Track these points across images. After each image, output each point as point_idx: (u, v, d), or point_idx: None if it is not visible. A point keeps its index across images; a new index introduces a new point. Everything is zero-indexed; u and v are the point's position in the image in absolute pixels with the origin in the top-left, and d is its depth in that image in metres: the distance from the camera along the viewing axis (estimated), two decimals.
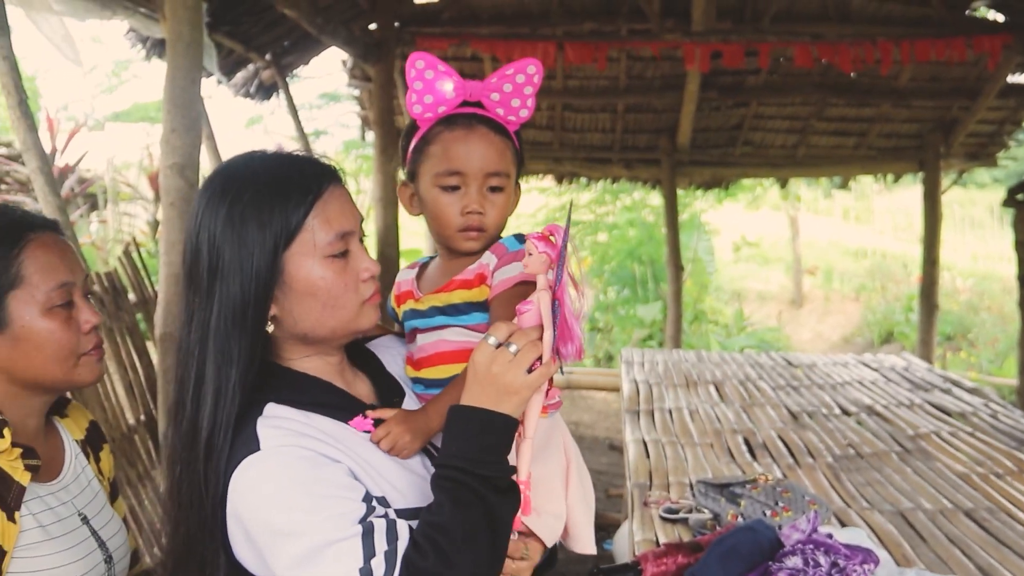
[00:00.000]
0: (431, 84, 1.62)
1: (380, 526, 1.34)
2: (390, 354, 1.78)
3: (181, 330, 1.49)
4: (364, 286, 1.51)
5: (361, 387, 1.64)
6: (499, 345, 1.39)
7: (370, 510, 1.35)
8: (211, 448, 1.40)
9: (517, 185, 1.75)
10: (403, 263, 5.01)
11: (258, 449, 1.37)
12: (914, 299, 13.16)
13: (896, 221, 23.97)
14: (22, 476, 1.61)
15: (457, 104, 1.65)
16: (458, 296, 1.66)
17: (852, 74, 8.39)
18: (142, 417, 4.11)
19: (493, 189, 1.67)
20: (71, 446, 1.85)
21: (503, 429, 1.38)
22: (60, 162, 13.58)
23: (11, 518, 1.57)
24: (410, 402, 1.70)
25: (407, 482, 1.50)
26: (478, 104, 1.66)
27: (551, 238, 1.40)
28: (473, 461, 1.36)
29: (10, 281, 1.63)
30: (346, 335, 1.54)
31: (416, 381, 1.73)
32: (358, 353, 1.69)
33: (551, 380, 1.46)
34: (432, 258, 1.85)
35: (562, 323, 1.39)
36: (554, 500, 1.61)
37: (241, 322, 1.43)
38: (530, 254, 1.40)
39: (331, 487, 1.35)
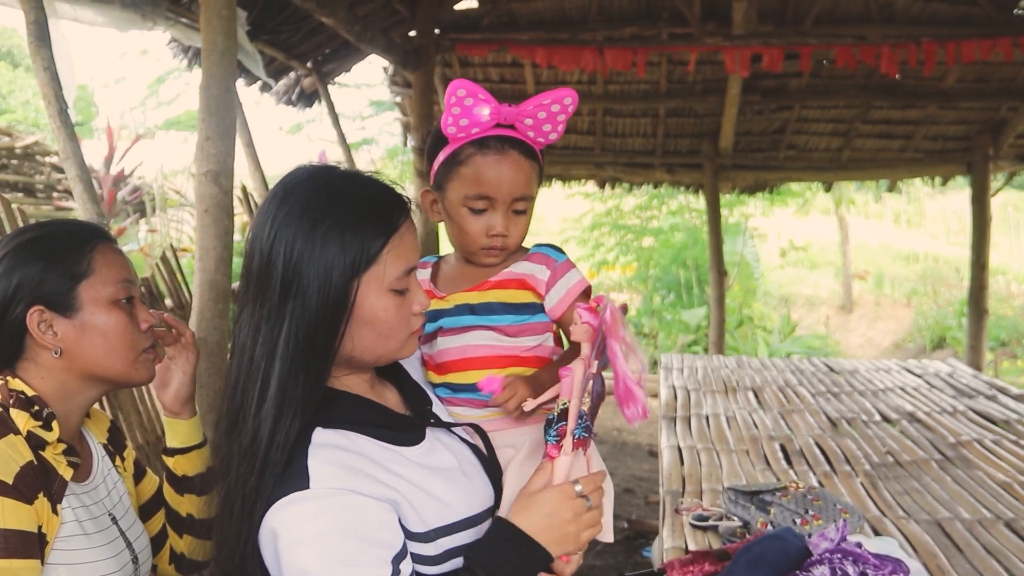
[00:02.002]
0: (469, 109, 1.63)
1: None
2: (410, 361, 1.77)
3: (245, 339, 1.47)
4: (415, 319, 1.53)
5: (390, 397, 1.64)
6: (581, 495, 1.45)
7: (395, 573, 1.37)
8: (267, 464, 1.40)
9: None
10: None
11: (307, 487, 1.36)
12: (966, 304, 12.96)
13: (948, 224, 23.60)
14: (65, 471, 1.67)
15: (491, 127, 1.66)
16: (493, 295, 1.70)
17: (897, 76, 8.27)
18: None
19: (517, 212, 1.70)
20: (97, 449, 1.89)
21: (542, 565, 1.44)
22: (115, 169, 13.84)
23: (54, 510, 1.62)
24: (438, 408, 1.71)
25: (454, 494, 1.51)
26: (510, 126, 1.68)
27: (597, 308, 1.45)
28: None
29: (82, 271, 1.73)
30: (388, 361, 1.56)
31: (441, 386, 1.74)
32: None
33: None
34: (440, 257, 1.87)
35: (624, 388, 1.45)
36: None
37: (312, 342, 1.43)
38: (575, 324, 1.47)
39: (368, 544, 1.35)
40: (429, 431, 1.60)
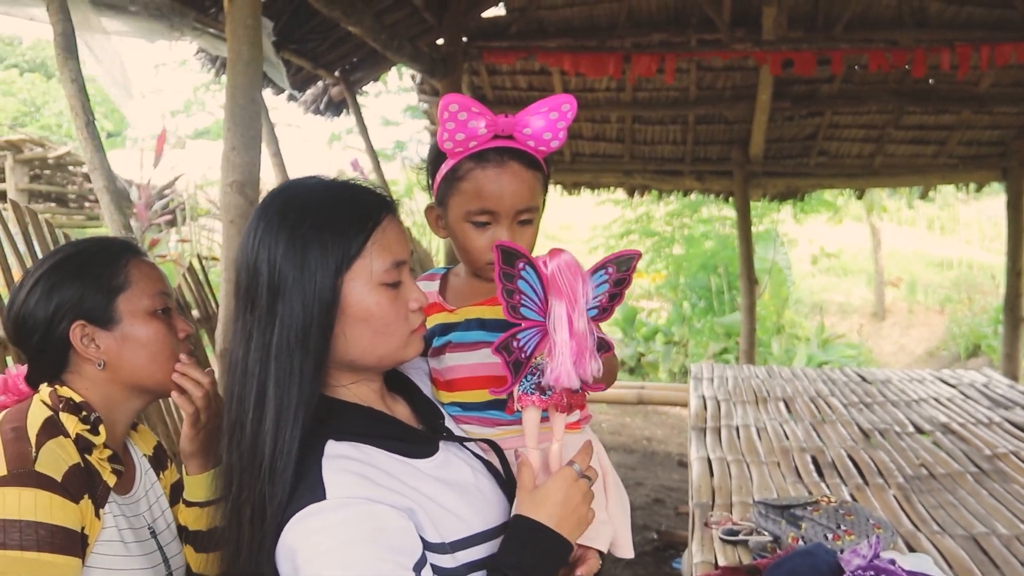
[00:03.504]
0: (463, 124, 1.59)
1: None
2: (418, 375, 1.76)
3: (236, 350, 1.48)
4: (413, 316, 1.52)
5: (401, 411, 1.63)
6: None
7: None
8: (273, 471, 1.39)
9: (543, 204, 1.74)
10: None
11: (323, 498, 1.36)
12: (1001, 311, 12.78)
13: (983, 230, 23.34)
14: (109, 477, 1.72)
15: (488, 139, 1.63)
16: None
17: (930, 80, 8.18)
18: None
19: (522, 223, 1.67)
20: (141, 462, 1.93)
21: (565, 555, 1.46)
22: (158, 179, 13.98)
23: (97, 514, 1.66)
24: (450, 423, 1.69)
25: (469, 507, 1.50)
26: (509, 137, 1.64)
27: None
28: None
29: (119, 285, 1.79)
30: (392, 364, 1.55)
31: (450, 404, 1.72)
32: (391, 375, 1.67)
33: (581, 397, 1.51)
34: (448, 269, 1.84)
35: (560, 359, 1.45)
36: (598, 508, 1.60)
37: (304, 343, 1.42)
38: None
39: (388, 552, 1.34)
40: (442, 445, 1.58)
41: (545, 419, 1.53)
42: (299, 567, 1.33)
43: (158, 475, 1.99)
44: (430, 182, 1.74)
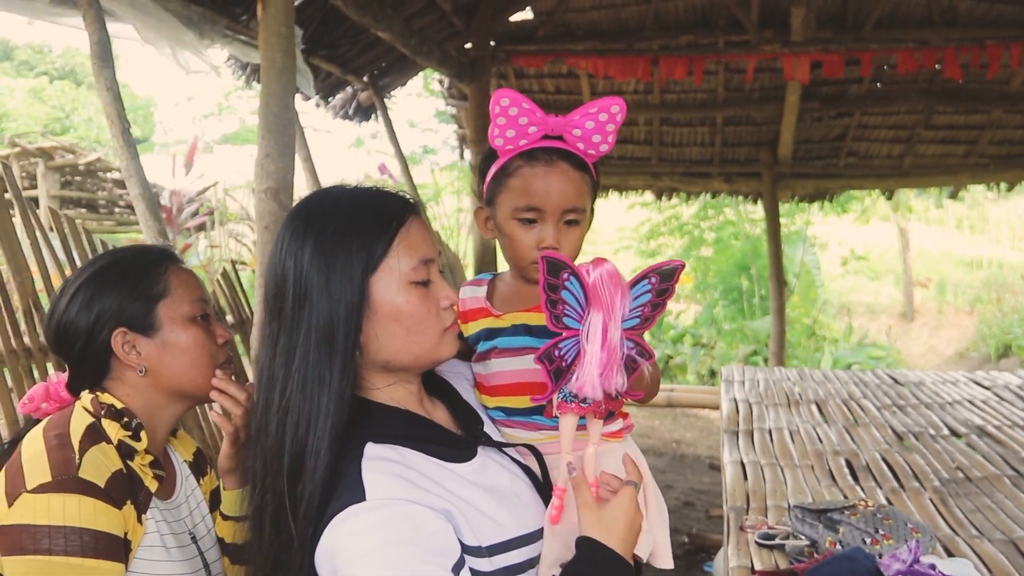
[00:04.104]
0: (514, 120, 1.61)
1: None
2: (459, 380, 1.77)
3: (263, 356, 1.50)
4: (445, 314, 1.53)
5: (440, 415, 1.64)
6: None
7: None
8: (300, 472, 1.40)
9: (592, 211, 1.74)
10: None
11: (363, 499, 1.36)
12: None
13: (1014, 230, 23.12)
14: (151, 483, 1.75)
15: (539, 138, 1.65)
16: None
17: (960, 79, 8.12)
18: None
19: (569, 223, 1.67)
20: (181, 468, 1.96)
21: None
22: (190, 186, 14.11)
23: (139, 519, 1.68)
24: (489, 428, 1.70)
25: (505, 512, 1.50)
26: (559, 138, 1.66)
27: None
28: None
29: (159, 292, 1.82)
30: (428, 363, 1.56)
31: (495, 408, 1.72)
32: (431, 380, 1.69)
33: (619, 403, 1.54)
34: (495, 275, 1.85)
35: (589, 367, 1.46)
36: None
37: (330, 345, 1.44)
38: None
39: (428, 553, 1.34)
40: (480, 450, 1.59)
41: (583, 426, 1.53)
42: (339, 568, 1.33)
43: (198, 481, 2.01)
44: (481, 184, 1.76)
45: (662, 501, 1.79)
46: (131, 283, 1.80)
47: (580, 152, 1.67)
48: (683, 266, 1.52)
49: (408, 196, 1.57)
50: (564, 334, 1.45)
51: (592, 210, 1.75)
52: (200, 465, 2.04)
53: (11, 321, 2.75)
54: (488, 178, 1.72)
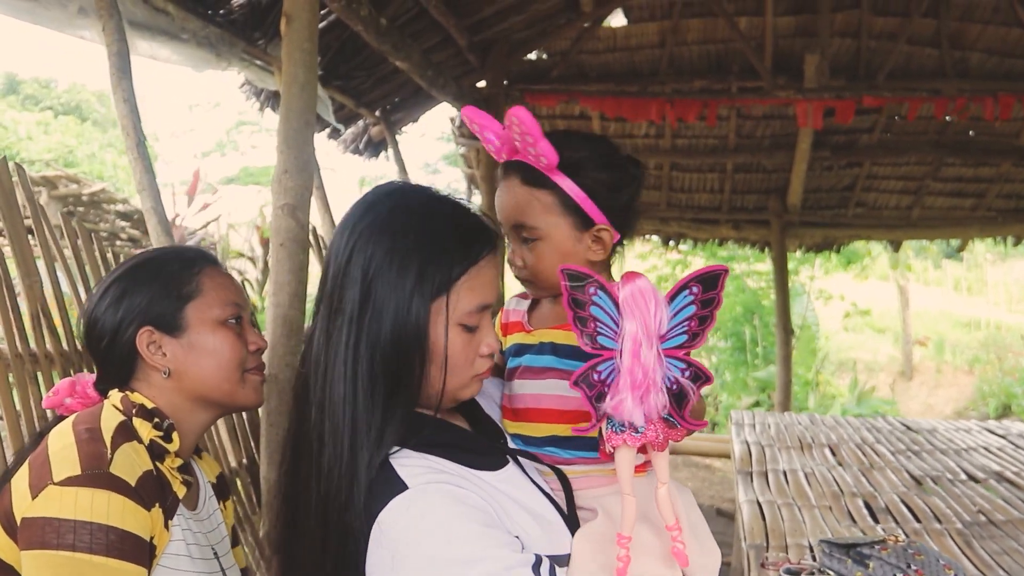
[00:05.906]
0: (481, 134, 1.56)
1: (545, 561, 1.29)
2: (482, 397, 1.63)
3: (315, 348, 1.41)
4: (481, 361, 1.45)
5: (460, 426, 1.55)
6: None
7: (522, 545, 1.30)
8: (339, 470, 1.34)
9: (604, 230, 1.56)
10: None
11: (405, 488, 1.30)
12: None
13: (1011, 292, 23.12)
14: (179, 488, 1.70)
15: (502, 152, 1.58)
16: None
17: (970, 132, 8.13)
18: (244, 460, 4.08)
19: (527, 240, 1.56)
20: (206, 487, 1.90)
21: None
22: (192, 221, 14.12)
23: (166, 525, 1.63)
24: (510, 443, 1.59)
25: (538, 529, 1.40)
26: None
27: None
28: None
29: (190, 292, 1.78)
30: (446, 402, 1.45)
31: (514, 436, 1.59)
32: None
33: (682, 432, 1.34)
34: None
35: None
36: (691, 553, 1.40)
37: (387, 361, 1.36)
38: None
39: (487, 527, 1.28)
40: (510, 462, 1.49)
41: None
42: (405, 556, 1.26)
43: (220, 504, 1.96)
44: None
45: (708, 539, 1.60)
46: (162, 282, 1.76)
47: (540, 166, 1.52)
48: (727, 271, 1.33)
49: (491, 225, 1.46)
50: (603, 355, 1.30)
51: (605, 229, 1.57)
52: (223, 489, 1.99)
53: (18, 325, 2.67)
54: None
